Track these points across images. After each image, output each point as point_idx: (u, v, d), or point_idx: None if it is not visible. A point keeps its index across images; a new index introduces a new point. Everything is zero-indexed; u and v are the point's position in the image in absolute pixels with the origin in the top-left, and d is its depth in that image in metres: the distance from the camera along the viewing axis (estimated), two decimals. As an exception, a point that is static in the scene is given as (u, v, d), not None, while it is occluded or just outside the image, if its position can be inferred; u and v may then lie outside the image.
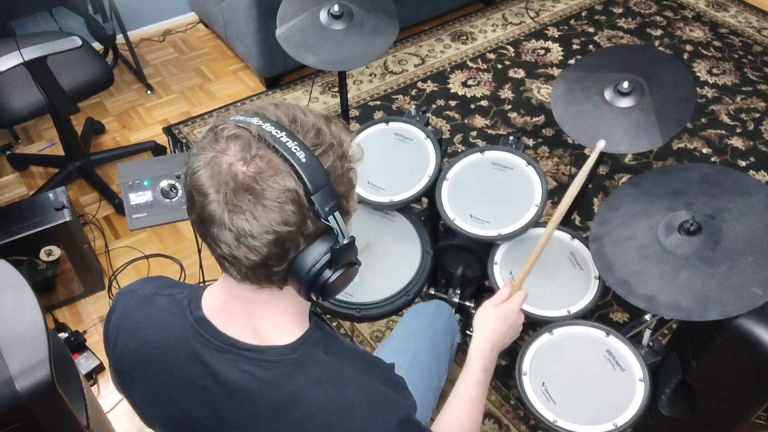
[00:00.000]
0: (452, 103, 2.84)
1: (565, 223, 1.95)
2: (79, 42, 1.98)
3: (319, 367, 0.79)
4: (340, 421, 0.76)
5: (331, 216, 0.70)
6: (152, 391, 0.87)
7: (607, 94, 1.62)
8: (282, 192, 0.67)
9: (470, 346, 1.09)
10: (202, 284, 1.85)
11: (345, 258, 0.75)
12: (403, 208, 1.62)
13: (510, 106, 2.83)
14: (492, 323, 1.11)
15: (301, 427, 0.77)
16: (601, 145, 1.26)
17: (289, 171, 0.68)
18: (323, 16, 1.83)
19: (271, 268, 0.72)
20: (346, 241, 0.73)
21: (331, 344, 0.83)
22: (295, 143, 0.68)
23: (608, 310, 2.06)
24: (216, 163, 0.68)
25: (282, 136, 0.68)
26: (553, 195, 2.42)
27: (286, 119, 0.71)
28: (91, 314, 2.05)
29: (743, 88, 2.94)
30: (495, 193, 1.55)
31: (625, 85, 1.59)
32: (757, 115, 2.81)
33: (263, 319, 0.80)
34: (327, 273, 0.73)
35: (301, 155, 0.68)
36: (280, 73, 2.89)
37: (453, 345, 1.45)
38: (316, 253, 0.72)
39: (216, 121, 0.73)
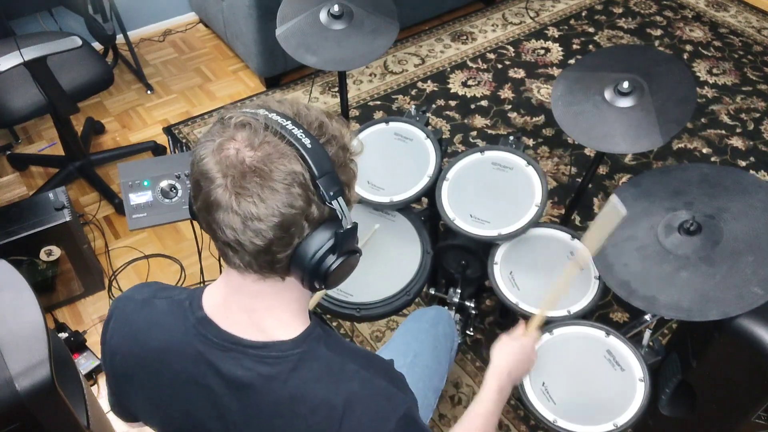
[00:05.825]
0: (452, 103, 2.84)
1: (565, 223, 1.95)
2: (79, 42, 1.98)
3: (322, 362, 0.80)
4: (342, 415, 0.77)
5: (335, 200, 0.72)
6: (153, 394, 0.87)
7: (607, 94, 1.62)
8: (289, 174, 0.69)
9: (487, 371, 1.15)
10: (201, 284, 1.85)
11: (348, 244, 0.76)
12: (403, 208, 1.62)
13: (510, 106, 2.83)
14: (509, 353, 1.20)
15: (304, 422, 0.78)
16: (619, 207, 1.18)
17: (295, 155, 0.70)
18: (323, 16, 1.83)
19: (275, 254, 0.73)
20: (349, 226, 0.75)
21: (332, 341, 0.83)
22: (301, 131, 0.71)
23: (608, 310, 2.06)
24: (223, 149, 0.70)
25: (288, 124, 0.71)
26: (553, 195, 2.42)
27: (290, 112, 0.75)
28: (91, 314, 2.05)
29: (743, 88, 2.94)
30: (495, 193, 1.55)
31: (625, 85, 1.59)
32: (757, 115, 2.81)
33: (265, 315, 0.80)
34: (330, 259, 0.74)
35: (307, 141, 0.71)
36: (280, 73, 2.89)
37: (453, 348, 1.46)
38: (320, 239, 0.73)
39: (223, 112, 0.75)
